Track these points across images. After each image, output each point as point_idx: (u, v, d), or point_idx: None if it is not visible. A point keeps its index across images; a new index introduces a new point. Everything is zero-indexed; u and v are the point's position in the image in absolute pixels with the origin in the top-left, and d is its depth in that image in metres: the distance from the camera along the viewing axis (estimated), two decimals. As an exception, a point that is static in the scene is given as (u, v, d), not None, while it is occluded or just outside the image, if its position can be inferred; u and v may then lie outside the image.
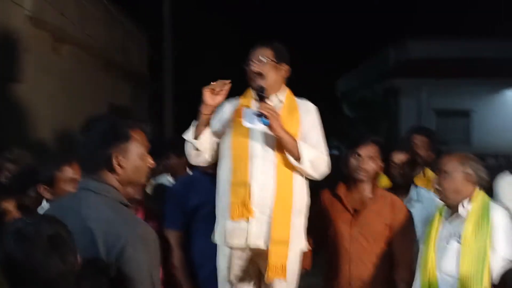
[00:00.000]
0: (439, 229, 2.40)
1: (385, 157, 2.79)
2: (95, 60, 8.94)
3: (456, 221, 2.36)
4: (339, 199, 2.73)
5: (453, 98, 15.50)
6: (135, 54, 11.77)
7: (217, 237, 2.48)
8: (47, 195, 2.39)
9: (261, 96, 2.39)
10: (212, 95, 2.41)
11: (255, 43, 2.56)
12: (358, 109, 19.67)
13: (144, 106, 13.09)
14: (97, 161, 1.63)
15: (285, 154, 2.40)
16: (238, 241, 2.38)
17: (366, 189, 2.70)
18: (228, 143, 2.45)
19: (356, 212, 2.68)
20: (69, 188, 2.30)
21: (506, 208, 2.47)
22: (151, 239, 1.58)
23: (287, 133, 2.36)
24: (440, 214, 2.44)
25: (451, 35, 15.98)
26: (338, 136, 15.31)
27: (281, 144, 2.38)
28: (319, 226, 2.71)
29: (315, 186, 2.61)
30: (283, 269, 2.32)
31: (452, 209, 2.39)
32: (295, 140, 2.38)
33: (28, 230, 1.33)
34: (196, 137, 2.44)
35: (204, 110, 2.42)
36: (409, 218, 2.71)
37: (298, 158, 2.38)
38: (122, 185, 1.65)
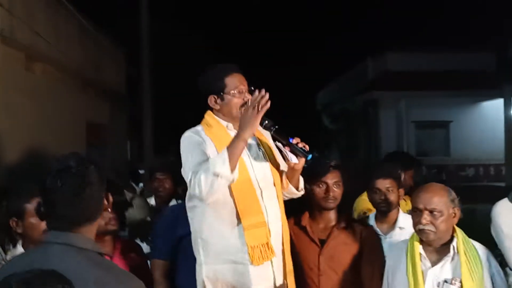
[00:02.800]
0: (424, 272, 2.24)
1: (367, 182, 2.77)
2: (70, 78, 8.73)
3: (448, 264, 2.23)
4: (304, 230, 2.66)
5: (432, 109, 15.71)
6: (112, 72, 11.57)
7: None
8: (18, 229, 2.20)
9: (281, 131, 2.26)
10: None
11: (234, 61, 2.43)
12: (338, 121, 19.82)
13: (123, 124, 12.87)
14: (76, 214, 1.48)
15: (280, 184, 2.34)
16: (263, 285, 2.23)
17: (332, 218, 2.66)
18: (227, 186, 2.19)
19: (322, 243, 2.61)
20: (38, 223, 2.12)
21: (508, 235, 2.41)
22: None
23: None
24: (413, 254, 2.25)
25: (429, 48, 16.23)
26: (319, 148, 15.31)
27: (276, 173, 2.33)
28: None
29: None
30: None
31: (436, 249, 2.25)
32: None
33: (37, 283, 1.17)
34: (233, 170, 2.09)
35: (249, 134, 2.14)
36: (378, 245, 2.65)
37: (297, 187, 2.39)
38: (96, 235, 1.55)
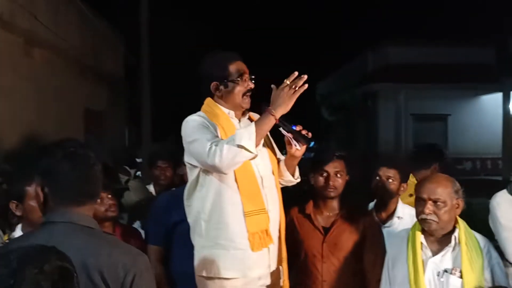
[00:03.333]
0: (425, 262, 2.25)
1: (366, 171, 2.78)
2: (69, 65, 8.70)
3: (449, 254, 2.24)
4: (309, 218, 2.69)
5: (431, 102, 15.71)
6: (111, 58, 11.53)
7: (237, 273, 2.22)
8: (18, 212, 2.22)
9: (286, 120, 2.24)
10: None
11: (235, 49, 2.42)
12: (337, 113, 19.80)
13: (121, 111, 12.85)
14: (80, 192, 1.54)
15: (277, 172, 2.36)
16: (260, 270, 2.25)
17: (336, 206, 2.68)
18: (229, 174, 2.19)
19: (326, 231, 2.64)
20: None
21: (506, 227, 2.41)
22: (149, 266, 1.57)
23: None
24: (414, 243, 2.26)
25: (429, 41, 16.18)
26: (317, 140, 15.29)
27: (274, 162, 2.35)
28: (288, 246, 2.59)
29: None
30: (288, 285, 2.33)
31: (438, 239, 2.26)
32: None
33: (38, 258, 1.16)
34: (257, 146, 2.09)
35: (281, 112, 2.10)
36: (379, 234, 2.68)
37: (293, 174, 2.41)
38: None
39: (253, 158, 2.11)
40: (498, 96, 15.05)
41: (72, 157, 1.52)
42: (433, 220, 2.19)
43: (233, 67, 2.28)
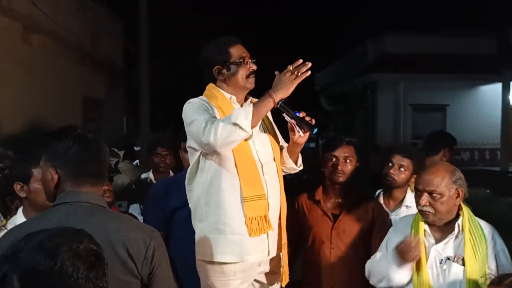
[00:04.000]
0: (428, 249, 2.23)
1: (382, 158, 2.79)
2: (67, 51, 8.66)
3: (451, 242, 2.22)
4: (318, 204, 2.69)
5: (430, 93, 15.68)
6: (109, 46, 11.47)
7: (235, 258, 2.23)
8: (22, 194, 2.22)
9: (289, 105, 2.24)
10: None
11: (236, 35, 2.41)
12: (336, 103, 19.77)
13: (120, 99, 12.82)
14: (92, 172, 1.59)
15: (279, 159, 2.35)
16: (258, 256, 2.25)
17: (345, 193, 2.68)
18: (229, 156, 2.19)
19: (335, 218, 2.65)
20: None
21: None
22: (162, 240, 1.64)
23: None
24: (417, 230, 2.25)
25: (429, 31, 16.11)
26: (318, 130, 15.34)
27: (276, 148, 2.33)
28: (296, 232, 2.64)
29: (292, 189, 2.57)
30: (287, 272, 2.34)
31: (439, 228, 2.24)
32: None
33: (73, 240, 1.16)
34: (253, 127, 2.09)
35: (281, 96, 2.10)
36: (388, 222, 2.66)
37: (296, 162, 2.40)
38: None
39: (249, 138, 2.11)
40: (497, 87, 15.02)
41: (82, 140, 1.56)
42: (429, 212, 2.18)
43: (234, 50, 2.28)
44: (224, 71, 2.29)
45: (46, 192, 1.62)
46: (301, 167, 2.46)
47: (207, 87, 2.35)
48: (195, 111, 2.19)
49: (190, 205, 2.33)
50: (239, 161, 2.19)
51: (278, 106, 2.18)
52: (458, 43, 15.34)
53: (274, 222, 2.27)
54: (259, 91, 2.26)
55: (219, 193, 2.20)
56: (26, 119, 6.86)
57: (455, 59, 14.61)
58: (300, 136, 2.29)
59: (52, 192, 1.58)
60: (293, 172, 2.48)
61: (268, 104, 2.11)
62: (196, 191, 2.28)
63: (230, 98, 2.31)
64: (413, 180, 2.86)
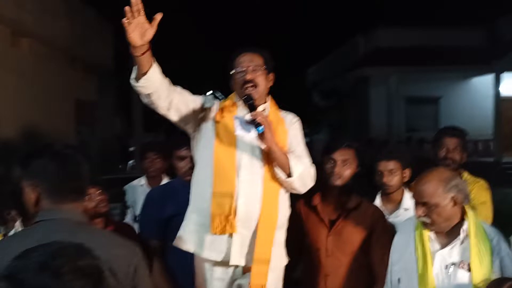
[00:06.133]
0: (432, 254, 2.18)
1: (366, 162, 2.69)
2: (57, 54, 8.59)
3: (457, 247, 2.17)
4: (315, 210, 2.61)
5: (422, 85, 15.73)
6: (99, 47, 11.39)
7: (193, 247, 2.30)
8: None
9: (252, 105, 2.25)
10: (139, 31, 2.04)
11: (235, 44, 2.47)
12: (329, 98, 19.77)
13: (112, 101, 12.75)
14: (69, 189, 1.58)
15: (272, 166, 2.26)
16: (216, 255, 2.24)
17: (343, 198, 2.59)
18: (209, 150, 2.25)
19: (332, 224, 2.56)
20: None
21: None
22: (143, 256, 1.64)
23: (278, 145, 2.22)
24: (422, 236, 2.20)
25: (420, 24, 16.15)
26: (308, 125, 15.49)
27: (268, 156, 2.25)
28: (296, 238, 2.56)
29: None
30: None
31: (444, 233, 2.19)
32: (285, 154, 2.25)
33: (75, 256, 1.13)
34: (138, 79, 2.18)
35: (137, 52, 2.12)
36: (388, 228, 2.59)
37: (287, 173, 2.26)
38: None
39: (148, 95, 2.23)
40: (489, 78, 15.09)
41: (60, 156, 1.58)
42: (427, 222, 2.14)
43: (237, 60, 2.36)
44: (232, 79, 2.40)
45: (29, 210, 1.63)
46: (290, 181, 2.26)
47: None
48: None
49: None
50: (218, 156, 2.24)
51: (247, 104, 2.27)
52: (449, 35, 15.40)
53: (247, 229, 2.22)
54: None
55: (198, 185, 2.30)
56: (18, 124, 6.80)
57: (446, 51, 14.66)
58: (260, 141, 2.20)
59: (33, 210, 1.59)
60: (294, 191, 2.35)
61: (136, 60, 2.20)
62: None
63: (238, 102, 2.36)
64: (405, 175, 2.83)
